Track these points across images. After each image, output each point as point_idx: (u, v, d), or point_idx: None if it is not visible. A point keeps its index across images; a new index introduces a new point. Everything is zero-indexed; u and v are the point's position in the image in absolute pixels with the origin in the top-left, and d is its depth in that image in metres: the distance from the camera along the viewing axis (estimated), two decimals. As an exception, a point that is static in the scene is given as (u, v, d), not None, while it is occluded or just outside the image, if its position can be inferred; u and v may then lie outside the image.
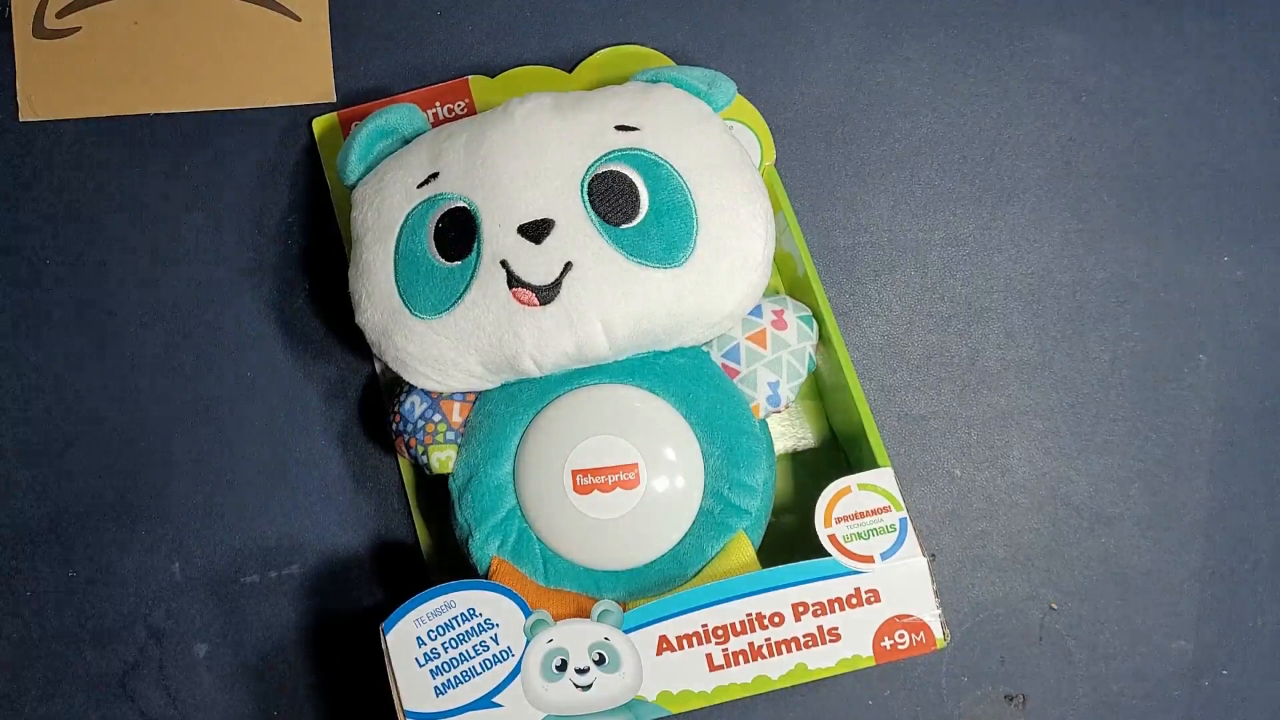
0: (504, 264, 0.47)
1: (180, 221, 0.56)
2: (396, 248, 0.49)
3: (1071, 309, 0.55)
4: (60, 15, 0.52)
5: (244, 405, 0.55)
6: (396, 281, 0.49)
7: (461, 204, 0.48)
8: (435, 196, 0.49)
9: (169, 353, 0.55)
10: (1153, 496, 0.54)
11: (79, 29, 0.53)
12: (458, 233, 0.48)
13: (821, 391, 0.55)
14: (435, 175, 0.49)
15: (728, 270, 0.48)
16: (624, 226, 0.48)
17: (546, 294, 0.47)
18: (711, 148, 0.49)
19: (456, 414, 0.51)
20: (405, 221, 0.49)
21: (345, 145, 0.52)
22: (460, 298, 0.48)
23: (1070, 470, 0.55)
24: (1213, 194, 0.55)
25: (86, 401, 0.54)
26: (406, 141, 0.52)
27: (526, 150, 0.48)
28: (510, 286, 0.47)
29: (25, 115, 0.53)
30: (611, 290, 0.47)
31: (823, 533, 0.47)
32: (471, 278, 0.48)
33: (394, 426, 0.52)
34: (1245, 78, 0.56)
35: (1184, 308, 0.55)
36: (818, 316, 0.52)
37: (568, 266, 0.47)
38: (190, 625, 0.54)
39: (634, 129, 0.49)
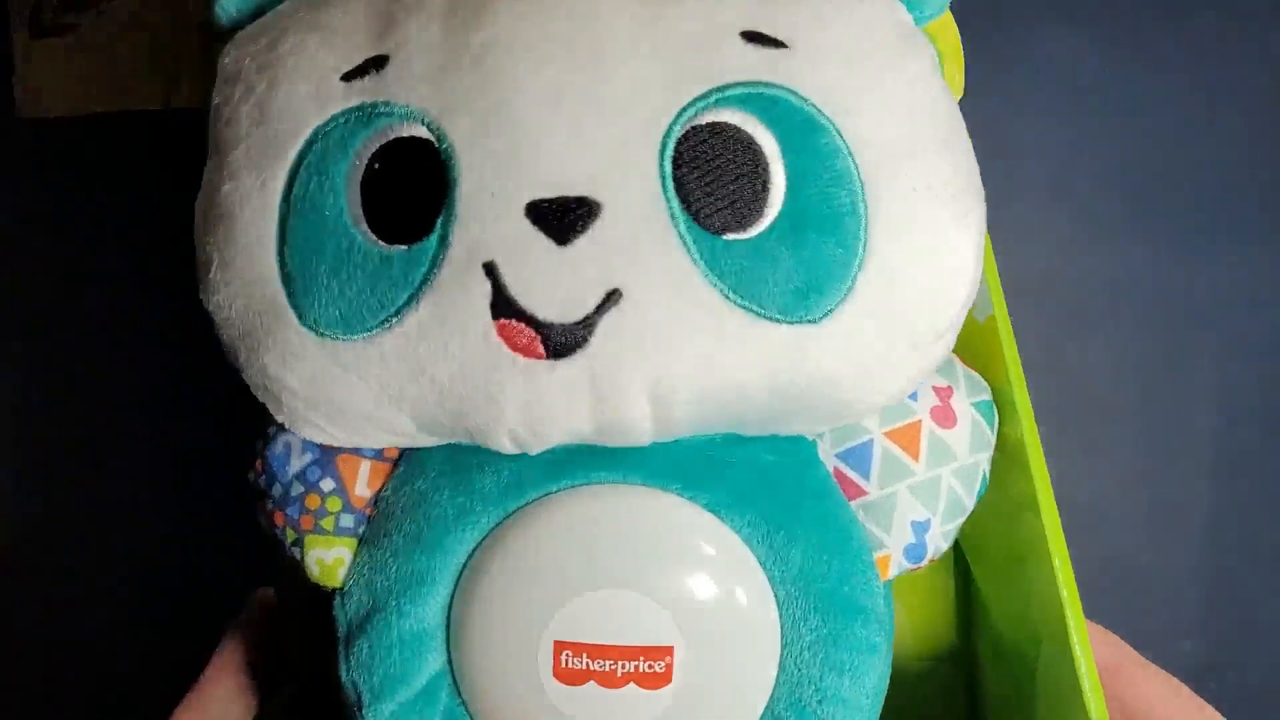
0: (490, 269, 0.26)
1: (182, 217, 0.55)
2: (289, 188, 0.27)
3: (1073, 309, 0.55)
4: (59, 12, 0.53)
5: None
6: (281, 252, 0.27)
7: (424, 132, 0.27)
8: (375, 107, 0.27)
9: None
10: (1156, 497, 0.54)
11: (78, 25, 0.53)
12: (410, 188, 0.27)
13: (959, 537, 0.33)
14: (382, 61, 0.27)
15: (902, 334, 0.28)
16: (730, 236, 0.26)
17: (564, 340, 0.26)
18: (915, 105, 0.28)
19: (363, 482, 0.30)
20: (312, 142, 0.27)
21: None
22: (397, 314, 0.27)
23: (1072, 470, 0.54)
24: (1217, 193, 0.55)
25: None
26: None
27: (569, 55, 0.26)
28: (496, 315, 0.26)
29: (23, 112, 0.53)
30: (684, 349, 0.26)
31: None
32: (424, 282, 0.26)
33: (253, 478, 0.31)
34: (1251, 77, 0.56)
35: (1187, 308, 0.55)
36: (1002, 400, 0.31)
37: (612, 297, 0.26)
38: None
39: (778, 44, 0.27)
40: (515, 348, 0.26)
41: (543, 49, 0.26)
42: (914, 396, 0.30)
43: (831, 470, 0.30)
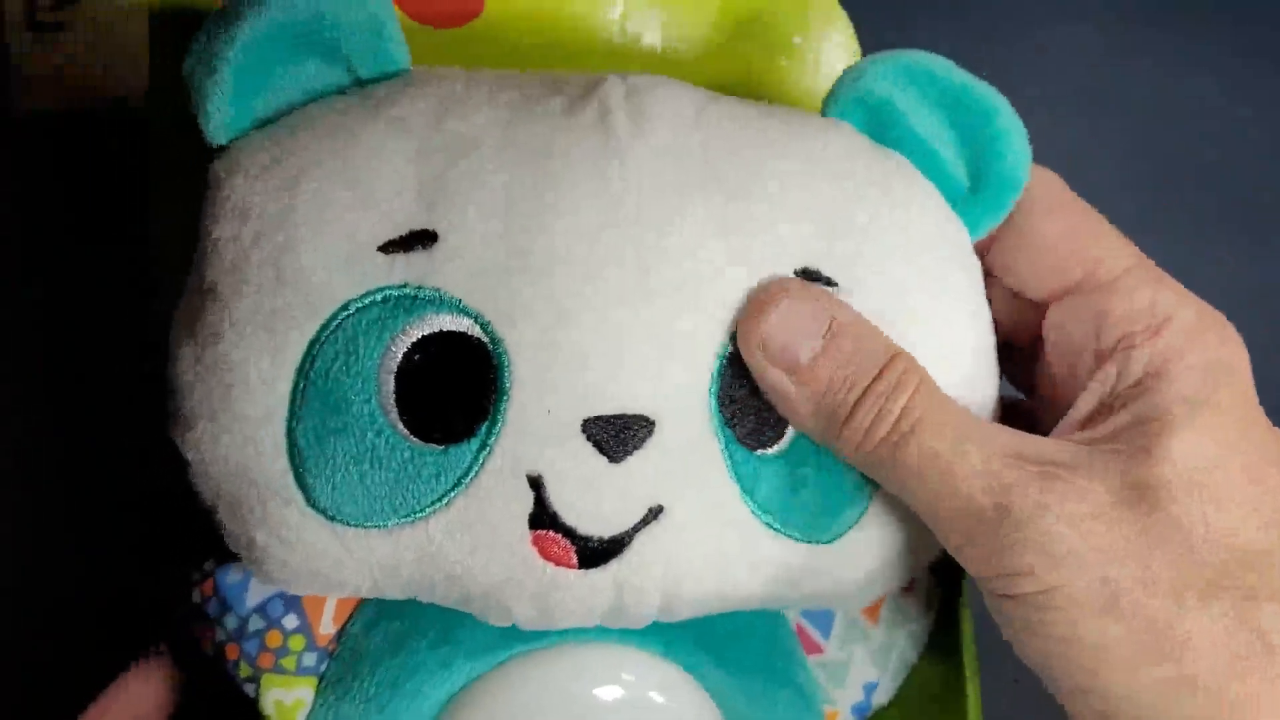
0: (536, 483, 0.25)
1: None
2: (306, 364, 0.25)
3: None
4: (54, 6, 0.52)
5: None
6: (291, 432, 0.25)
7: (475, 329, 0.25)
8: (421, 291, 0.25)
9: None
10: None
11: (73, 19, 0.53)
12: (453, 386, 0.25)
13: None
14: (431, 238, 0.25)
15: (902, 548, 0.28)
16: (762, 452, 0.26)
17: (600, 551, 0.26)
18: (956, 342, 0.28)
19: (328, 619, 0.28)
20: (341, 314, 0.25)
21: (211, 31, 0.26)
22: (420, 512, 0.25)
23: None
24: (1226, 193, 0.55)
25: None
26: (359, 81, 0.27)
27: (639, 278, 0.25)
28: (534, 526, 0.25)
29: (19, 106, 0.53)
30: (710, 563, 0.26)
31: None
32: (458, 484, 0.25)
33: (199, 601, 0.29)
34: (1259, 75, 0.55)
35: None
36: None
37: (653, 512, 0.26)
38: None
39: (830, 283, 0.27)
40: (548, 557, 0.26)
41: (612, 271, 0.25)
42: None
43: (794, 625, 0.30)
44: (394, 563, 0.26)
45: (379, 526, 0.25)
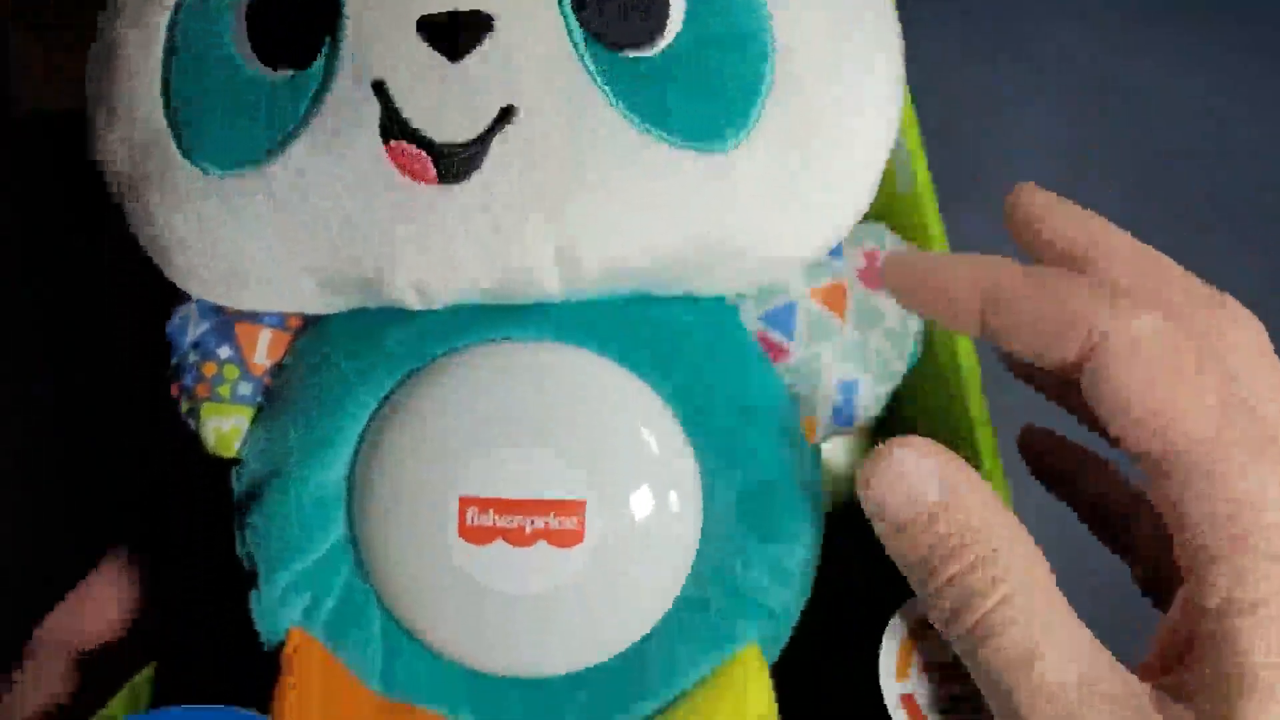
0: (379, 88, 0.25)
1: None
2: (173, 25, 0.26)
3: (1079, 309, 0.55)
4: (56, 5, 0.52)
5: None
6: (167, 89, 0.26)
7: None
8: None
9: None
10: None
11: (75, 20, 0.53)
12: (296, 12, 0.26)
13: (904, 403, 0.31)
14: None
15: (817, 171, 0.26)
16: (631, 53, 0.25)
17: (456, 161, 0.25)
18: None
19: (262, 350, 0.28)
20: None
21: None
22: (284, 142, 0.25)
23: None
24: (1227, 193, 0.54)
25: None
26: None
27: None
28: (386, 137, 0.25)
29: (20, 107, 0.53)
30: (583, 172, 0.25)
31: (891, 690, 0.27)
32: (312, 105, 0.25)
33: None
34: (1259, 74, 0.55)
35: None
36: None
37: (506, 114, 0.25)
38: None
39: None
40: (407, 171, 0.25)
41: None
42: (839, 256, 0.29)
43: (755, 334, 0.29)
44: (276, 212, 0.26)
45: (252, 166, 0.26)
